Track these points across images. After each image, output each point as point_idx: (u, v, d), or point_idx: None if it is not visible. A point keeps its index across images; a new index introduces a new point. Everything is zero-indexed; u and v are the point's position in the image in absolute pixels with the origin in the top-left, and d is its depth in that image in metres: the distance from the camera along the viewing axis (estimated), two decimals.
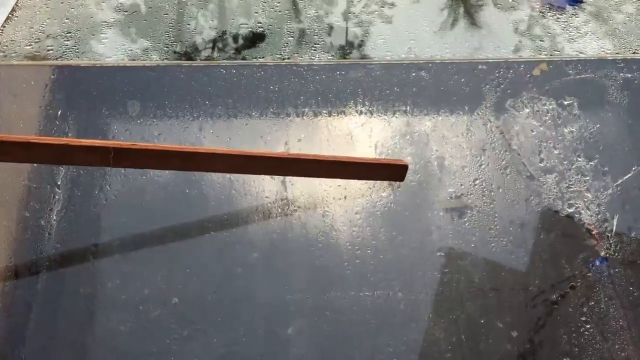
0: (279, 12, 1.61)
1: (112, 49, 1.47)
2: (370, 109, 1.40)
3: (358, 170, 1.24)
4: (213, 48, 1.50)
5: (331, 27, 1.57)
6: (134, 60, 1.44)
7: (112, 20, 1.55)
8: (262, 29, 1.55)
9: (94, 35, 1.50)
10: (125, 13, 1.58)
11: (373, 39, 1.55)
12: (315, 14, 1.61)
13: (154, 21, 1.56)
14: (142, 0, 1.62)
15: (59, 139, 1.10)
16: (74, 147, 1.07)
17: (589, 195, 1.29)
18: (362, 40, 1.55)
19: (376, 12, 1.64)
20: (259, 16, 1.59)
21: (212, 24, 1.57)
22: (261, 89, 1.42)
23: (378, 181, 1.29)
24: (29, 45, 1.45)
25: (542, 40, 1.55)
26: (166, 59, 1.45)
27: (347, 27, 1.58)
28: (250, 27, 1.56)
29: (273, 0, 1.64)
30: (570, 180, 1.31)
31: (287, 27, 1.56)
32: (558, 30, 1.58)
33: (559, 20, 1.61)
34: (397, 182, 1.29)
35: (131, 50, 1.47)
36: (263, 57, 1.47)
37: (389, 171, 1.27)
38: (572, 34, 1.57)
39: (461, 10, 1.67)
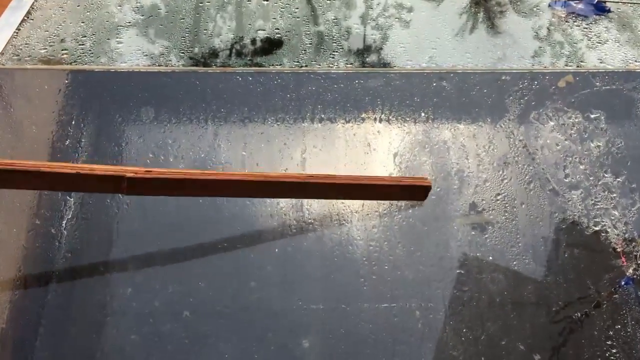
0: (297, 17, 1.58)
1: (127, 54, 1.44)
2: (390, 118, 1.36)
3: (377, 191, 1.20)
4: (229, 54, 1.47)
5: (350, 33, 1.54)
6: (149, 65, 1.42)
7: (128, 24, 1.53)
8: (279, 35, 1.52)
9: (109, 39, 1.48)
10: (142, 17, 1.56)
11: (393, 46, 1.51)
12: (334, 19, 1.58)
13: (170, 26, 1.53)
14: (159, 5, 1.60)
15: (70, 166, 1.06)
16: (85, 175, 1.04)
17: (615, 213, 1.24)
18: (381, 48, 1.51)
19: (394, 17, 1.61)
20: (277, 22, 1.56)
21: (229, 30, 1.54)
22: (278, 96, 1.39)
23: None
24: (44, 49, 1.43)
25: (568, 51, 1.51)
26: (182, 64, 1.42)
27: (365, 34, 1.55)
28: (268, 33, 1.53)
29: (291, 5, 1.61)
30: (596, 197, 1.26)
31: (305, 33, 1.53)
32: (584, 40, 1.54)
33: (584, 30, 1.56)
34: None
35: (146, 55, 1.45)
36: (280, 64, 1.44)
37: (410, 192, 1.23)
38: (598, 44, 1.52)
39: (481, 15, 1.63)
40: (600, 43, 1.53)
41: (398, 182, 1.23)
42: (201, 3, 1.61)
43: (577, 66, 1.46)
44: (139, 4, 1.59)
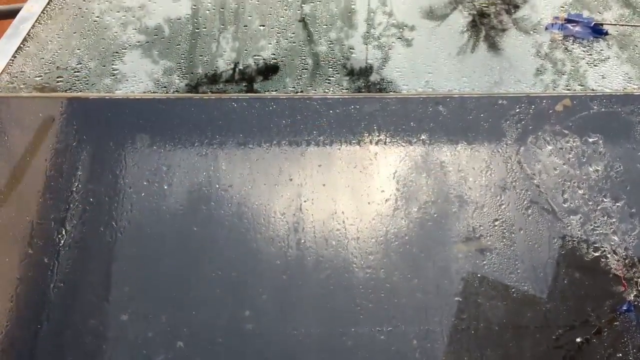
0: (294, 43, 1.58)
1: (122, 81, 1.44)
2: (386, 144, 1.36)
3: None
4: (225, 80, 1.47)
5: (346, 59, 1.54)
6: (144, 92, 1.42)
7: (124, 51, 1.53)
8: (275, 61, 1.52)
9: (104, 66, 1.48)
10: (138, 44, 1.56)
11: (389, 71, 1.51)
12: (330, 44, 1.58)
13: (166, 52, 1.53)
14: (155, 32, 1.60)
15: None
16: None
17: (615, 238, 1.22)
18: (377, 72, 1.51)
19: (395, 36, 1.61)
20: (273, 47, 1.56)
21: (226, 56, 1.54)
22: (273, 122, 1.38)
23: (393, 220, 1.24)
24: (39, 76, 1.43)
25: (565, 74, 1.50)
26: (177, 91, 1.42)
27: (361, 58, 1.54)
28: (264, 59, 1.53)
29: (287, 30, 1.62)
30: (595, 222, 1.25)
31: (301, 59, 1.53)
32: (581, 63, 1.53)
33: (581, 53, 1.56)
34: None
35: (141, 82, 1.45)
36: (276, 90, 1.44)
37: None
38: (596, 67, 1.52)
39: (482, 34, 1.63)
40: (597, 66, 1.52)
41: None
42: (197, 29, 1.62)
43: (575, 90, 1.46)
44: (135, 31, 1.60)
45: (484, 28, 1.66)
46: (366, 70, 1.51)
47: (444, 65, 1.53)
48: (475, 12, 1.71)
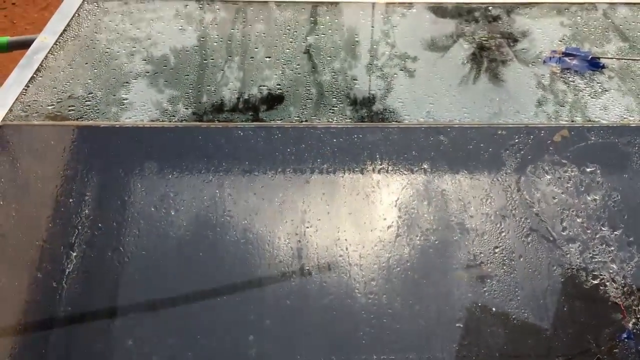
0: (299, 74, 1.62)
1: (132, 110, 1.48)
2: (388, 171, 1.39)
3: None
4: (232, 109, 1.51)
5: (349, 88, 1.58)
6: (153, 121, 1.45)
7: (134, 81, 1.58)
8: (281, 91, 1.56)
9: (114, 95, 1.52)
10: (147, 74, 1.60)
11: (391, 101, 1.54)
12: (334, 75, 1.62)
13: (174, 82, 1.58)
14: (164, 63, 1.65)
15: None
16: None
17: (614, 266, 1.24)
18: (380, 103, 1.54)
19: (398, 67, 1.65)
20: (279, 78, 1.61)
21: (232, 86, 1.58)
22: (278, 150, 1.41)
23: (394, 247, 1.27)
24: (51, 105, 1.47)
25: (563, 106, 1.54)
26: (184, 120, 1.46)
27: (364, 89, 1.58)
28: (270, 89, 1.57)
29: (293, 62, 1.66)
30: (594, 250, 1.27)
31: (306, 89, 1.57)
32: (578, 95, 1.57)
33: (578, 86, 1.60)
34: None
35: (150, 111, 1.49)
36: (281, 119, 1.47)
37: None
38: (593, 99, 1.55)
39: (482, 66, 1.67)
40: (594, 98, 1.56)
41: None
42: (205, 60, 1.66)
43: (572, 121, 1.49)
44: (144, 62, 1.65)
45: (484, 60, 1.70)
46: (369, 100, 1.55)
47: (445, 96, 1.56)
48: (475, 45, 1.75)
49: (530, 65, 1.68)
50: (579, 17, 1.86)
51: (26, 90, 1.49)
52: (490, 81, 1.64)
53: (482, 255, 1.26)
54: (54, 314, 1.18)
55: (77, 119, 1.44)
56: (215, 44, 1.73)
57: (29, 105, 1.46)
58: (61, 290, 1.19)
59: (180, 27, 1.78)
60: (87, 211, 1.30)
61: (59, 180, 1.35)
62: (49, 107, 1.46)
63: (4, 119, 1.38)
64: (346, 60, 1.69)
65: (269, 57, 1.68)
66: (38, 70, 1.55)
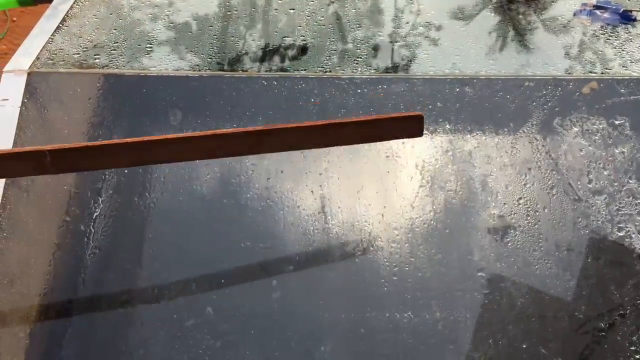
0: (323, 25, 1.60)
1: (156, 59, 1.48)
2: None
3: (360, 132, 1.11)
4: (255, 60, 1.50)
5: (376, 44, 1.56)
6: (177, 70, 1.46)
7: (158, 31, 1.57)
8: (304, 42, 1.55)
9: (139, 45, 1.52)
10: (171, 25, 1.60)
11: (416, 52, 1.52)
12: (359, 27, 1.60)
13: (199, 33, 1.57)
14: (188, 13, 1.64)
15: None
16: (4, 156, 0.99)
17: None
18: (405, 55, 1.52)
19: (423, 35, 1.62)
20: (302, 29, 1.59)
21: (256, 37, 1.57)
22: (302, 100, 1.41)
23: (417, 198, 1.26)
24: (77, 54, 1.47)
25: (593, 58, 1.51)
26: (209, 69, 1.46)
27: (390, 42, 1.56)
28: (293, 40, 1.56)
29: (317, 14, 1.64)
30: (620, 203, 1.25)
31: (330, 41, 1.55)
32: (609, 48, 1.53)
33: (610, 38, 1.56)
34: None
35: (175, 60, 1.49)
36: (305, 70, 1.46)
37: (400, 126, 1.14)
38: (624, 52, 1.52)
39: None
40: (624, 50, 1.52)
41: (383, 117, 1.15)
42: (229, 12, 1.65)
43: (602, 73, 1.46)
44: (170, 13, 1.64)
45: (513, 12, 1.67)
46: (393, 51, 1.53)
47: (471, 48, 1.54)
48: None
49: (560, 17, 1.64)
50: None
51: (52, 39, 1.50)
52: (518, 33, 1.60)
53: (505, 206, 1.26)
54: (83, 255, 1.20)
55: (102, 67, 1.44)
56: None
57: (55, 54, 1.47)
58: (89, 233, 1.22)
59: None
60: None
61: (86, 127, 1.37)
62: (75, 56, 1.47)
63: (31, 66, 1.39)
64: (373, 11, 1.67)
65: (293, 9, 1.66)
66: (64, 20, 1.56)
